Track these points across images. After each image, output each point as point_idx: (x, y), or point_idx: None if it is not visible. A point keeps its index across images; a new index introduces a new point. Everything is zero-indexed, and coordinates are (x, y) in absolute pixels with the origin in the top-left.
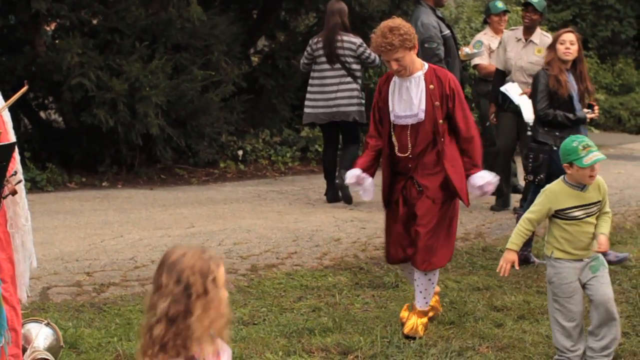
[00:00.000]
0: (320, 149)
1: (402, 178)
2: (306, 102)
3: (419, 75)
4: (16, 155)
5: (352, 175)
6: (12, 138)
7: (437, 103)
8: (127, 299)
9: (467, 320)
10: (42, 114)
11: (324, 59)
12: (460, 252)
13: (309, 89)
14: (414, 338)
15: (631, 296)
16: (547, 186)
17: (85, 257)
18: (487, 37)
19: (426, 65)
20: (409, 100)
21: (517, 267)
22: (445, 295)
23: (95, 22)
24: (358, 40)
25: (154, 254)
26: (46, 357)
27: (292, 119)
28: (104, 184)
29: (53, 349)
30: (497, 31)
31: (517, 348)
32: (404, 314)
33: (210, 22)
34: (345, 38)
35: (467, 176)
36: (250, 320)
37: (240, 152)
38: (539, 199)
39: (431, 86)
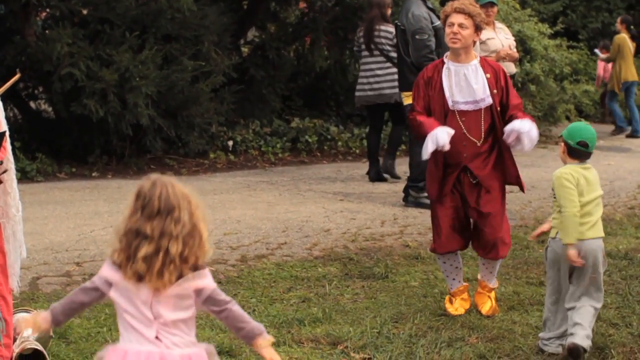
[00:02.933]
0: (310, 140)
1: (453, 170)
2: (356, 87)
3: (475, 63)
4: (7, 145)
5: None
6: (4, 128)
7: (495, 91)
8: None
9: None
10: (32, 104)
11: (364, 47)
12: None
13: (359, 74)
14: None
15: (620, 287)
16: None
17: (75, 248)
18: None
19: (479, 56)
20: (468, 86)
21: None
22: (435, 286)
23: (85, 12)
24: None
25: None
26: (36, 347)
27: (283, 109)
28: (94, 174)
29: (42, 339)
30: (486, 23)
31: (507, 339)
32: (448, 305)
33: (201, 12)
34: (382, 28)
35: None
36: None
37: (230, 143)
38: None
39: (487, 75)
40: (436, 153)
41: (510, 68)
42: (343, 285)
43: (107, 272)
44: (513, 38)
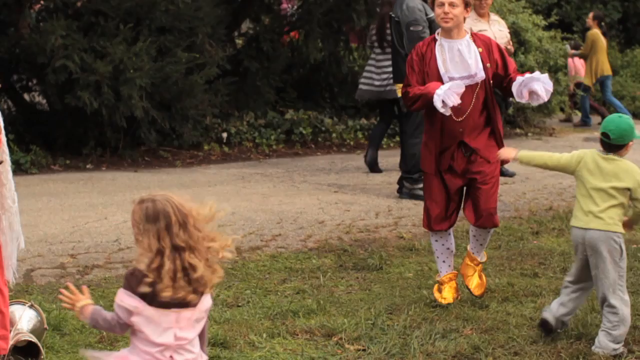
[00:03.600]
0: (304, 132)
1: (450, 145)
2: (361, 80)
3: (467, 38)
4: (2, 137)
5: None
6: None
7: (488, 64)
8: (111, 280)
9: (451, 302)
10: (26, 96)
11: (376, 43)
12: None
13: (366, 68)
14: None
15: None
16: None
17: (69, 240)
18: (470, 20)
19: (469, 32)
20: (462, 61)
21: None
22: (429, 277)
23: (79, 4)
24: None
25: None
26: (30, 338)
27: (277, 101)
28: (88, 166)
29: (37, 331)
30: (480, 14)
31: (501, 330)
32: (437, 294)
33: (195, 4)
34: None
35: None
36: (234, 303)
37: (224, 135)
38: None
39: (479, 49)
40: (435, 129)
41: None
42: (337, 276)
43: (128, 301)
44: (508, 30)
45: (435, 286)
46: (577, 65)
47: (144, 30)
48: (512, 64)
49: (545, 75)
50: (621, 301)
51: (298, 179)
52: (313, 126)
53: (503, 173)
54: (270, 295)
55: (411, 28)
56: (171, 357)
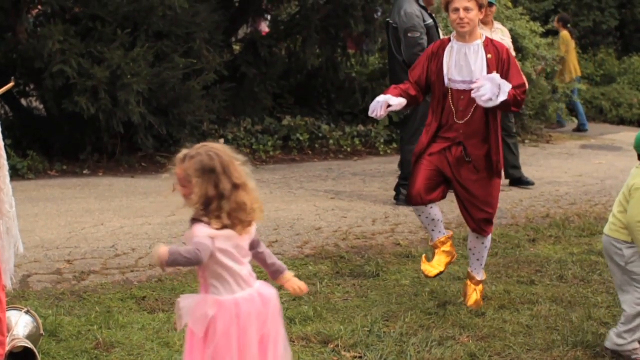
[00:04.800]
0: (302, 138)
1: (447, 140)
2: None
3: (478, 43)
4: (0, 142)
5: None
6: None
7: (495, 72)
8: (107, 287)
9: (447, 309)
10: (24, 102)
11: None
12: None
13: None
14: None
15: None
16: (637, 182)
17: (65, 245)
18: None
19: (484, 35)
20: (467, 66)
21: None
22: (425, 285)
23: (77, 9)
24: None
25: (134, 242)
26: (26, 344)
27: (274, 107)
28: (85, 171)
29: (33, 337)
30: (483, 22)
31: (498, 338)
32: (424, 265)
33: (192, 10)
34: None
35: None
36: None
37: (221, 141)
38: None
39: (489, 55)
40: (431, 128)
41: None
42: (334, 283)
43: (206, 229)
44: (510, 40)
45: (424, 256)
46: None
47: (142, 36)
48: (515, 78)
49: (491, 83)
50: (628, 303)
51: (295, 186)
52: (310, 132)
53: (521, 181)
54: None
55: (409, 34)
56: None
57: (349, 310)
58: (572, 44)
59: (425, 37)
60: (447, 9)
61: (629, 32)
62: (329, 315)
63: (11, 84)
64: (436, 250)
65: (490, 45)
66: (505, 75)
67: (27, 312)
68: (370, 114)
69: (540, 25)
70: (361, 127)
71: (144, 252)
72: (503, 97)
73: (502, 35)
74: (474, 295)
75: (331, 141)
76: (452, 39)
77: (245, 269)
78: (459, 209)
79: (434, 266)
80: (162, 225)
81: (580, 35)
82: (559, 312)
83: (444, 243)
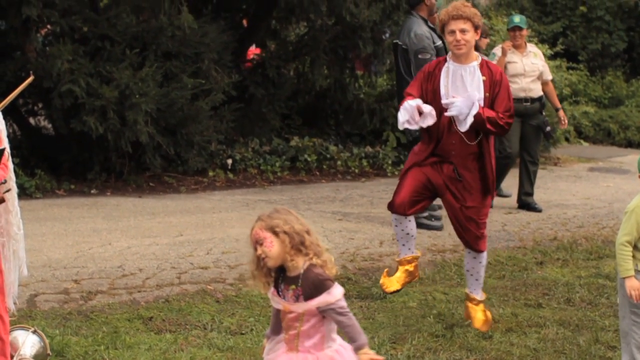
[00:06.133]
0: (309, 159)
1: (439, 158)
2: None
3: (474, 65)
4: (9, 164)
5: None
6: (5, 145)
7: (487, 94)
8: (114, 307)
9: (455, 332)
10: (32, 120)
11: None
12: (448, 264)
13: None
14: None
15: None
16: (631, 205)
17: (73, 265)
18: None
19: (480, 57)
20: (463, 87)
21: None
22: (433, 307)
23: (85, 29)
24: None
25: (141, 262)
26: None
27: (282, 128)
28: (92, 191)
29: (40, 357)
30: (514, 46)
31: None
32: (384, 279)
33: (201, 30)
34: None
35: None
36: (238, 330)
37: (229, 161)
38: (628, 221)
39: (483, 77)
40: (425, 145)
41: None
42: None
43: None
44: (543, 63)
45: (385, 270)
46: None
47: (150, 56)
48: (501, 104)
49: (464, 103)
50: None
51: (302, 207)
52: (318, 153)
53: (530, 207)
54: None
55: (419, 56)
56: None
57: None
58: None
59: (435, 59)
60: (443, 31)
61: (637, 55)
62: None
63: (30, 78)
64: (399, 267)
65: (486, 67)
66: (494, 98)
67: (34, 332)
68: (402, 125)
69: (548, 47)
70: (369, 149)
71: (151, 272)
72: (471, 117)
73: (533, 59)
74: (479, 315)
75: (339, 162)
76: (447, 59)
77: None
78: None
79: (393, 283)
80: (170, 245)
81: (589, 57)
82: (566, 336)
83: (409, 262)
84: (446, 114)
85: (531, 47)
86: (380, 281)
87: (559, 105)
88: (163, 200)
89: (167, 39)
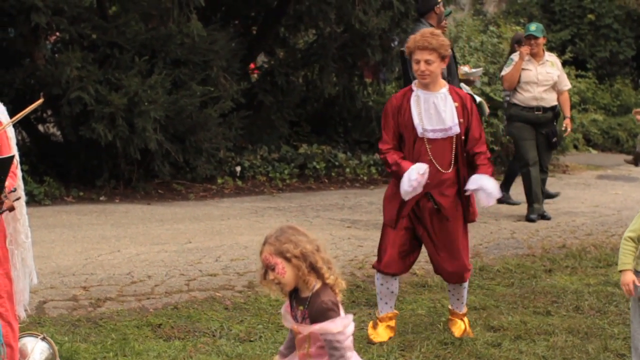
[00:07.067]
0: (318, 166)
1: (415, 196)
2: None
3: (444, 91)
4: (18, 172)
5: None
6: (14, 153)
7: (461, 120)
8: (123, 314)
9: (463, 339)
10: (41, 128)
11: None
12: None
13: None
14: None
15: (628, 317)
16: None
17: (81, 272)
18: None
19: (447, 85)
20: (437, 114)
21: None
22: (442, 315)
23: (94, 36)
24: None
25: (150, 269)
26: None
27: (291, 135)
28: (101, 198)
29: None
30: (531, 54)
31: None
32: (371, 330)
33: (210, 37)
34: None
35: (478, 169)
36: (247, 337)
37: (238, 168)
38: (638, 218)
39: (455, 104)
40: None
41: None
42: (350, 312)
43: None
44: (559, 72)
45: (371, 323)
46: None
47: (159, 63)
48: (475, 130)
49: (490, 185)
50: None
51: (311, 214)
52: (327, 161)
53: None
54: (282, 330)
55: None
56: None
57: (365, 340)
58: None
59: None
60: (410, 57)
61: None
62: None
63: (40, 101)
64: (380, 323)
65: (454, 93)
66: (469, 125)
67: (43, 339)
68: (407, 196)
69: (557, 55)
70: (377, 156)
71: (159, 279)
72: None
73: (549, 68)
74: (461, 324)
75: (347, 169)
76: (414, 88)
77: None
78: (471, 241)
79: (380, 335)
80: (178, 252)
81: (597, 65)
82: (575, 343)
83: (390, 318)
84: (479, 201)
85: (549, 56)
86: (368, 332)
87: (568, 114)
88: (172, 208)
89: (176, 47)
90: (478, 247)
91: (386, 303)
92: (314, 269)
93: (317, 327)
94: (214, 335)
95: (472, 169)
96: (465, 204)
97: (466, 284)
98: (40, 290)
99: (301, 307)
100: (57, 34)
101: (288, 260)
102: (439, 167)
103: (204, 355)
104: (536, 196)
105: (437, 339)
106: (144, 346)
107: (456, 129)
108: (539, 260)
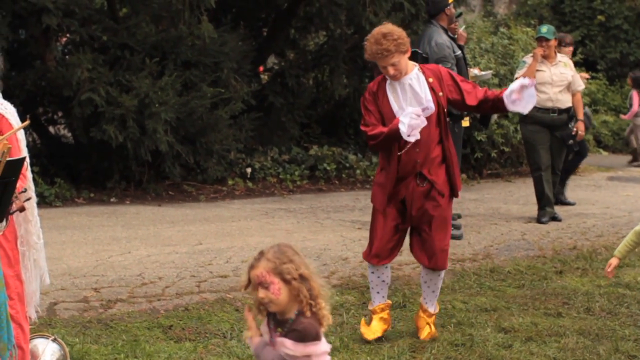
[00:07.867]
0: (328, 168)
1: (406, 178)
2: None
3: (416, 71)
4: (28, 173)
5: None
6: (25, 154)
7: (441, 93)
8: (134, 315)
9: (474, 341)
10: (52, 129)
11: None
12: (468, 273)
13: None
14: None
15: (639, 319)
16: None
17: (92, 273)
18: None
19: (416, 64)
20: (415, 95)
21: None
22: (452, 316)
23: (105, 38)
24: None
25: (161, 271)
26: None
27: (301, 137)
28: (112, 199)
29: None
30: (544, 56)
31: None
32: (364, 328)
33: (220, 39)
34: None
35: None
36: None
37: (248, 170)
38: None
39: (430, 79)
40: (392, 162)
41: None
42: (361, 314)
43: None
44: (573, 73)
45: (362, 320)
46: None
47: (170, 65)
48: (466, 84)
49: (517, 82)
50: None
51: (322, 215)
52: (337, 162)
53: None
54: None
55: (440, 65)
56: None
57: (375, 341)
58: None
59: (456, 68)
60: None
61: None
62: (356, 345)
63: (27, 122)
64: (374, 316)
65: (427, 70)
66: (456, 89)
67: (54, 340)
68: (409, 137)
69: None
70: None
71: (170, 280)
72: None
73: (562, 68)
74: (427, 328)
75: (358, 171)
76: (387, 77)
77: None
78: (482, 242)
79: (372, 331)
80: (189, 254)
81: (607, 66)
82: (586, 345)
83: (382, 310)
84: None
85: (561, 57)
86: (361, 330)
87: (581, 116)
88: (182, 209)
89: (187, 48)
90: (489, 248)
91: (378, 292)
92: (303, 297)
93: (301, 346)
94: (224, 337)
95: (498, 108)
96: (452, 180)
97: (442, 274)
98: (51, 292)
99: (280, 329)
100: (68, 35)
101: (287, 281)
102: (426, 145)
103: (214, 356)
104: (548, 200)
105: (448, 340)
106: (155, 347)
107: (432, 106)
108: (549, 261)
